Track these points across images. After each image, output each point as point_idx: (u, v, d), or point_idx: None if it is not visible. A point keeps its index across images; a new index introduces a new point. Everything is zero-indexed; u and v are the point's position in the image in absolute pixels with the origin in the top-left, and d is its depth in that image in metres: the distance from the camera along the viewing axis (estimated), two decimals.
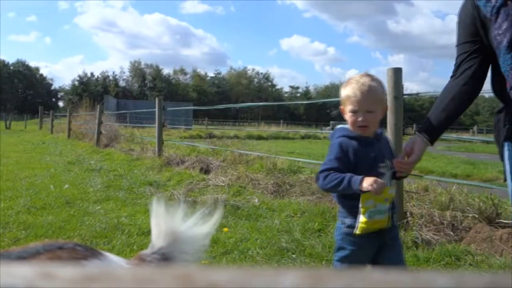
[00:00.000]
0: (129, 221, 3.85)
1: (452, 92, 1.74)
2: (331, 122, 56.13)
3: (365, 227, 1.70)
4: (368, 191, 1.61)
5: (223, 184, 5.51)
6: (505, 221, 3.16)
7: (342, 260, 1.79)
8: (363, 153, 1.74)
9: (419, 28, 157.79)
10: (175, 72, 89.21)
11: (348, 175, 1.66)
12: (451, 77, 1.78)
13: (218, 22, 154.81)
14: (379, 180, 1.62)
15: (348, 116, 1.77)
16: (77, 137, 14.75)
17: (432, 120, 1.77)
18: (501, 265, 2.61)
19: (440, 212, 3.46)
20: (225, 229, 3.60)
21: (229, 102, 68.33)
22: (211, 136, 19.53)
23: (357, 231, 1.71)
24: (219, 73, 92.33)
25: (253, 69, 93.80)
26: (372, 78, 1.77)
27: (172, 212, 1.13)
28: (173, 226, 1.11)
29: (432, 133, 1.77)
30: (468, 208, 3.46)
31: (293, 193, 4.93)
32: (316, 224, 3.67)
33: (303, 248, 3.11)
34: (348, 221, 1.77)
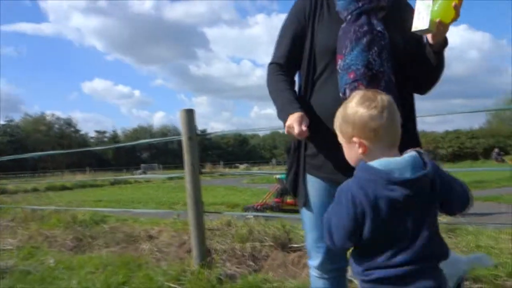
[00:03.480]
0: None
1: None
2: (142, 165, 55.36)
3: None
4: None
5: (11, 247, 4.82)
6: (295, 245, 3.46)
7: None
8: None
9: (218, 71, 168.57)
10: None
11: None
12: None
13: (8, 65, 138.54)
14: None
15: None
16: None
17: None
18: None
19: (241, 245, 3.60)
20: None
21: (26, 151, 61.15)
22: (1, 192, 17.12)
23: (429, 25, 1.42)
24: (11, 121, 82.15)
25: (53, 115, 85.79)
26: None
27: None
28: None
29: None
30: (265, 237, 3.68)
31: (96, 246, 4.56)
32: (120, 276, 3.43)
33: None
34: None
